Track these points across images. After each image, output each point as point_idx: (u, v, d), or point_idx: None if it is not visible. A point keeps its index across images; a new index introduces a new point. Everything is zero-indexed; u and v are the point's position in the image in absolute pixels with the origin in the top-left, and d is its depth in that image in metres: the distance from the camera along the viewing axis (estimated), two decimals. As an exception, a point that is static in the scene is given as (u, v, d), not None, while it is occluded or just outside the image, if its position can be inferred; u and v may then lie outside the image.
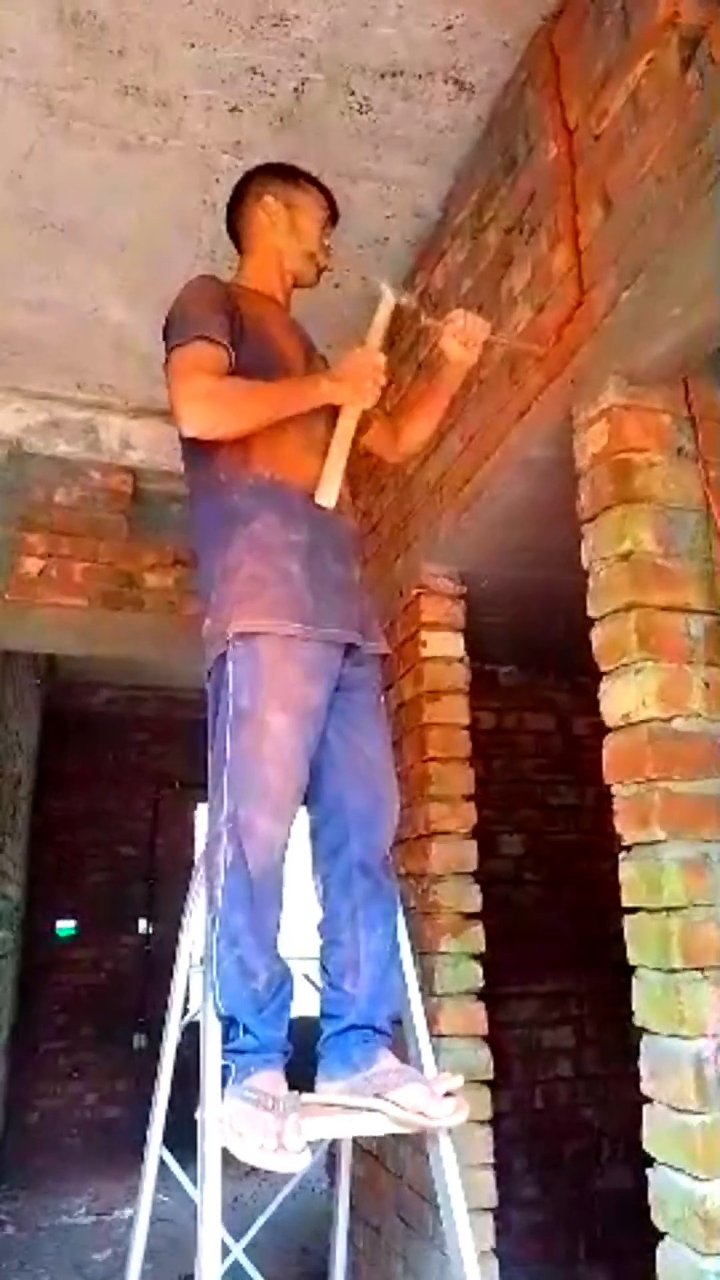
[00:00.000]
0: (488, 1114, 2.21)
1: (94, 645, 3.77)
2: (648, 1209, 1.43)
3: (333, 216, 2.03)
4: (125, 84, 2.15)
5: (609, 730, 1.60)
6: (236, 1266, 1.89)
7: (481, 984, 2.31)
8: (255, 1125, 1.37)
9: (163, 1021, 1.91)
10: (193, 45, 2.06)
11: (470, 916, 2.35)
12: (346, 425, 1.76)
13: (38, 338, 3.05)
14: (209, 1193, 1.38)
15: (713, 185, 1.38)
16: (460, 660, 2.57)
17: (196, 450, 1.77)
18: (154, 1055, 1.93)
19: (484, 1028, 2.27)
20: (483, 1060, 2.24)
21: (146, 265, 2.70)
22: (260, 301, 1.91)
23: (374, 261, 2.69)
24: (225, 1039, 1.52)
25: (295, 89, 2.16)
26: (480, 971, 2.32)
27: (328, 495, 1.71)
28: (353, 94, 2.17)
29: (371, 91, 2.17)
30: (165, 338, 1.77)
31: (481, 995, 2.31)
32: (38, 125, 2.25)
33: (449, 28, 2.01)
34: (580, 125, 1.81)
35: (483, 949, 2.34)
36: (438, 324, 1.91)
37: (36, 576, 3.29)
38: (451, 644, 2.57)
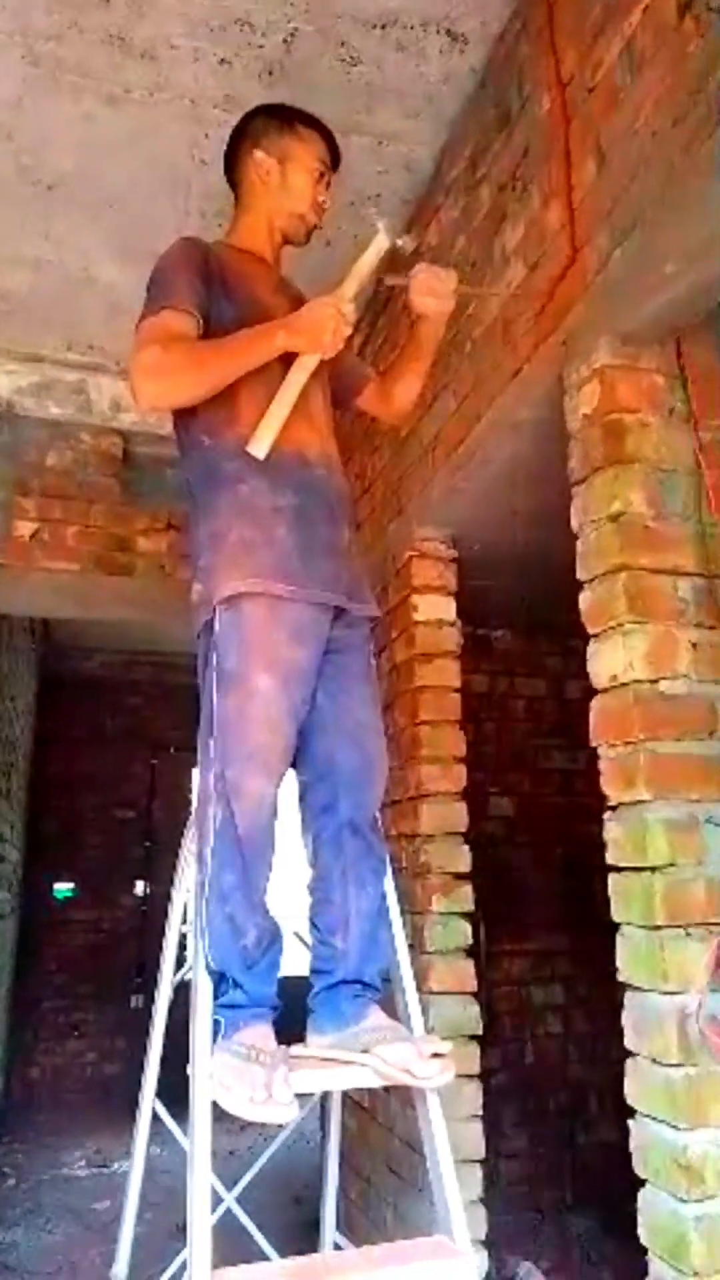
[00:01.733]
0: (476, 1069, 2.25)
1: (87, 609, 3.77)
2: (632, 1160, 1.46)
3: (333, 162, 1.95)
4: (110, 33, 2.10)
5: (596, 692, 1.61)
6: (231, 1216, 1.94)
7: (471, 942, 2.34)
8: (244, 1078, 1.40)
9: (157, 980, 1.94)
10: (179, -8, 2.01)
11: (460, 876, 2.38)
12: (297, 377, 1.66)
13: (27, 297, 3.01)
14: (198, 1143, 1.41)
15: (710, 137, 1.35)
16: (452, 624, 2.57)
17: (182, 415, 1.76)
18: (151, 1013, 1.96)
19: (473, 985, 2.31)
20: (472, 1016, 2.28)
21: (136, 222, 2.66)
22: (248, 261, 1.87)
23: (365, 218, 2.65)
24: (216, 995, 1.55)
25: (285, 40, 2.12)
26: (469, 930, 2.35)
27: (260, 445, 1.62)
28: (344, 45, 2.13)
29: (363, 43, 2.12)
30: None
31: (472, 953, 2.34)
32: (24, 76, 2.20)
33: (442, -25, 1.97)
34: (574, 77, 1.78)
35: (472, 908, 2.37)
36: (403, 281, 1.85)
37: (29, 540, 3.28)
38: (443, 607, 2.58)
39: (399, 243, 1.78)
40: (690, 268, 1.52)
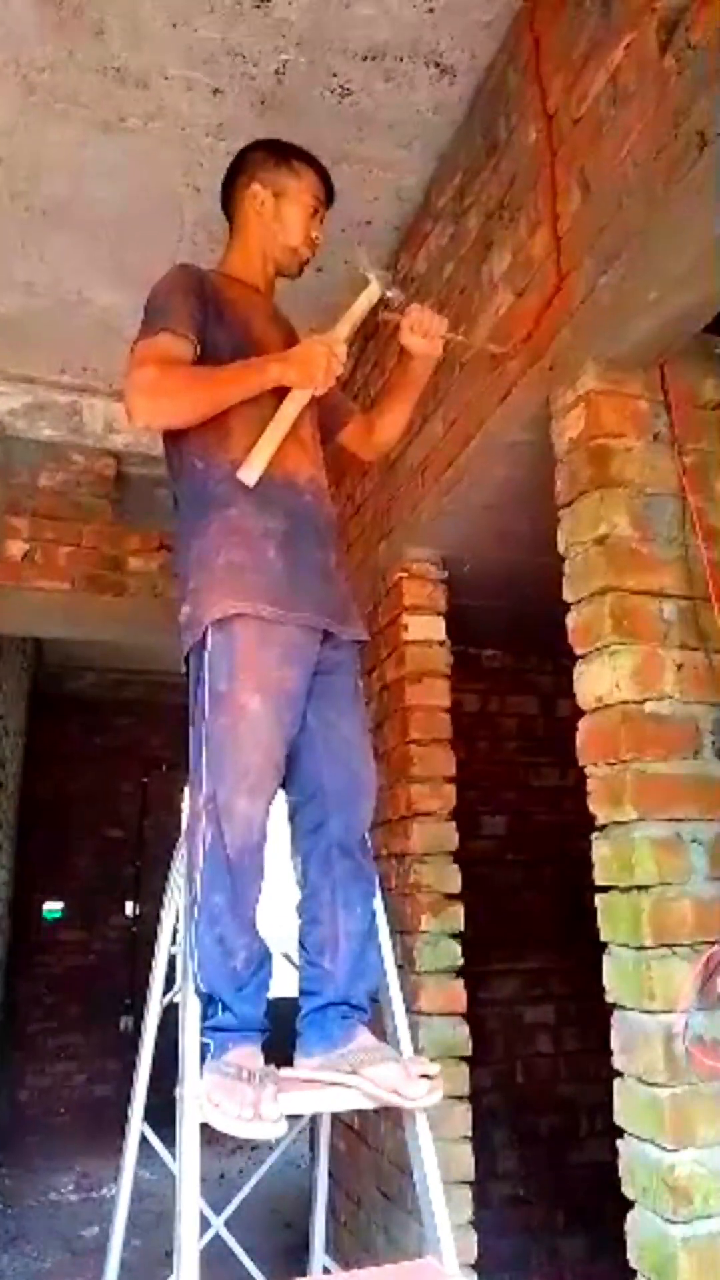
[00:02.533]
0: (466, 1090, 2.25)
1: (78, 629, 3.78)
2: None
3: (327, 199, 2.01)
4: (105, 64, 2.13)
5: (583, 713, 1.63)
6: (220, 1240, 1.93)
7: (461, 962, 2.34)
8: (232, 1096, 1.40)
9: (146, 1001, 1.93)
10: (174, 25, 2.04)
11: (450, 896, 2.38)
12: (289, 409, 1.71)
13: (21, 320, 3.04)
14: (187, 1166, 1.40)
15: (691, 169, 1.38)
16: (441, 643, 2.59)
17: (174, 437, 1.78)
18: (141, 1035, 1.96)
19: (463, 1005, 2.30)
20: (461, 1037, 2.27)
21: (130, 247, 2.69)
22: (241, 290, 1.91)
23: (356, 246, 2.67)
24: (204, 1017, 1.55)
25: (277, 70, 2.16)
26: (459, 950, 2.35)
27: (250, 473, 1.66)
28: (334, 75, 2.17)
29: (353, 73, 2.16)
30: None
31: (463, 973, 2.34)
32: (19, 104, 2.23)
33: (430, 10, 2.01)
34: (560, 108, 1.81)
35: (462, 928, 2.37)
36: (395, 318, 1.89)
37: (21, 560, 3.29)
38: (433, 627, 2.59)
39: (389, 294, 1.85)
40: (673, 295, 1.55)
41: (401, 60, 2.13)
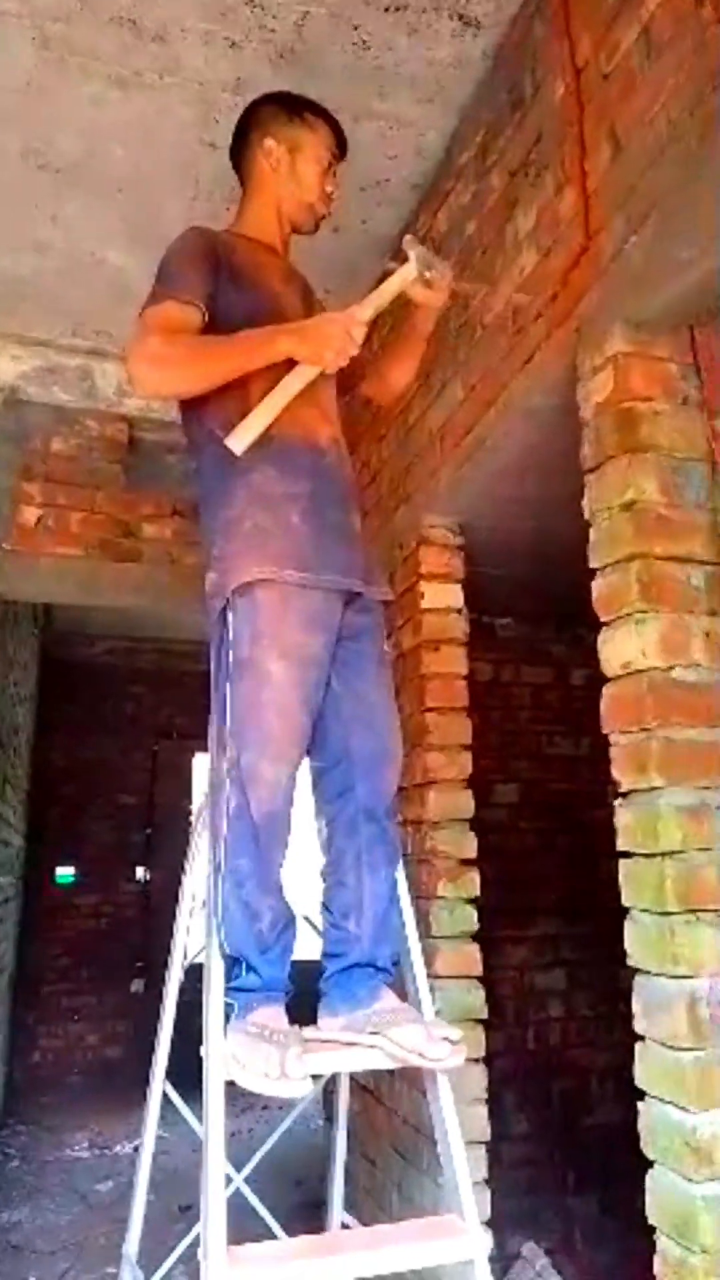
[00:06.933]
0: (482, 1052, 2.27)
1: (91, 596, 3.76)
2: (634, 1142, 1.48)
3: (340, 153, 1.97)
4: (120, 15, 2.08)
5: (608, 680, 1.62)
6: (236, 1196, 1.96)
7: (477, 927, 2.36)
8: (258, 1055, 1.41)
9: (162, 966, 1.95)
10: (191, -26, 1.99)
11: (466, 863, 2.39)
12: (292, 383, 1.66)
13: (34, 282, 3.00)
14: (213, 1124, 1.42)
15: (726, 125, 1.35)
16: (459, 611, 2.58)
17: (191, 407, 1.76)
18: (152, 998, 1.99)
19: (479, 969, 2.32)
20: (477, 1000, 2.30)
21: (144, 207, 2.65)
22: (256, 250, 1.87)
23: (375, 204, 2.65)
24: (229, 978, 1.56)
25: (296, 23, 2.10)
26: (475, 915, 2.36)
27: (239, 442, 1.63)
28: (356, 28, 2.11)
29: (375, 26, 2.11)
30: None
31: (477, 938, 2.36)
32: (34, 59, 2.18)
33: (456, -42, 1.96)
34: (589, 62, 1.77)
35: (478, 894, 2.38)
36: (397, 266, 1.82)
37: (34, 526, 3.28)
38: (450, 595, 2.58)
39: (427, 274, 1.77)
40: (705, 255, 1.51)
41: (424, 12, 2.08)
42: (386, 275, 1.78)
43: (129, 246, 2.81)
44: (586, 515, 1.70)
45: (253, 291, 1.78)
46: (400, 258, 1.80)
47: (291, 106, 1.93)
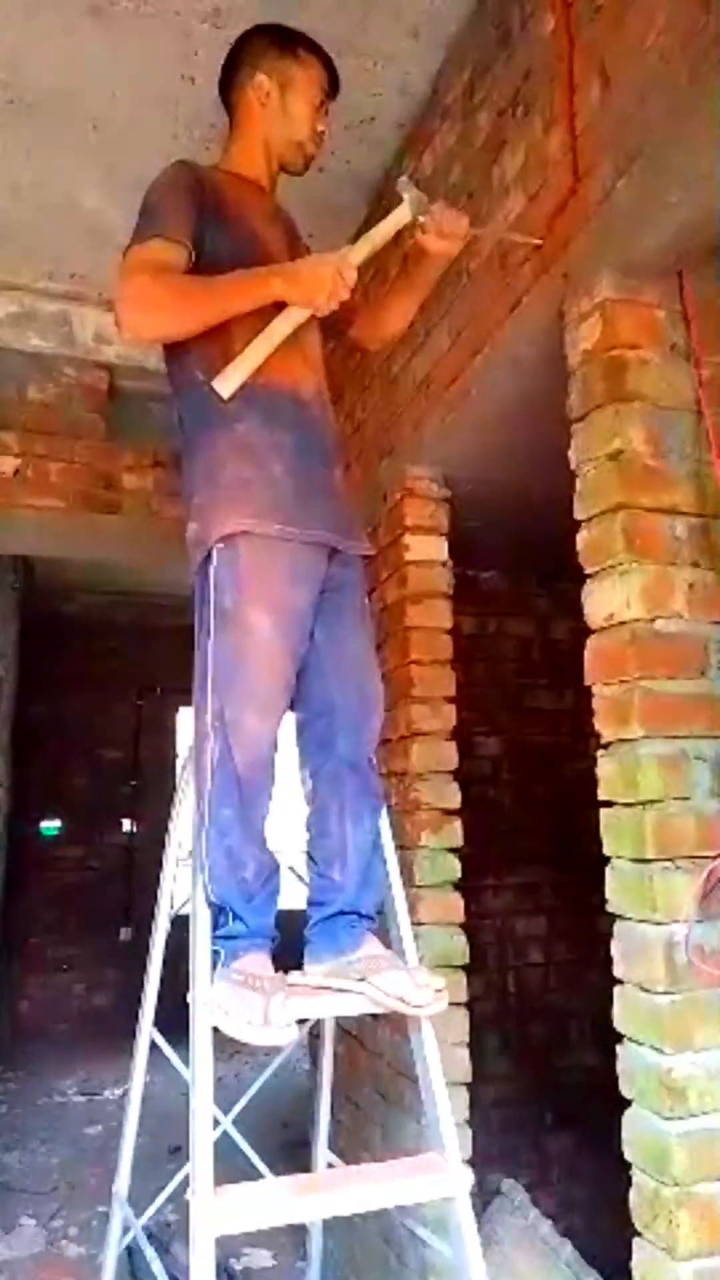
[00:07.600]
0: (464, 997, 2.31)
1: (71, 548, 3.73)
2: (610, 1084, 1.52)
3: (333, 91, 1.91)
4: (94, -62, 2.00)
5: (591, 631, 1.62)
6: (223, 1138, 2.01)
7: (459, 876, 2.39)
8: (243, 1003, 1.43)
9: (148, 915, 1.97)
10: None
11: (449, 813, 2.42)
12: (282, 325, 1.63)
13: (5, 223, 2.91)
14: (200, 1068, 1.45)
15: (718, 61, 1.31)
16: (443, 564, 2.56)
17: (175, 350, 1.72)
18: (139, 946, 2.01)
19: (460, 916, 2.36)
20: (459, 946, 2.33)
21: (121, 145, 2.56)
22: (242, 187, 1.82)
23: (358, 144, 2.57)
24: (215, 926, 1.58)
25: (277, -51, 2.02)
26: (458, 864, 2.39)
27: (228, 384, 1.60)
28: (339, -45, 2.04)
29: (359, -47, 2.03)
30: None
31: (459, 886, 2.39)
32: (0, -16, 2.09)
33: None
34: (580, -7, 1.71)
35: (460, 843, 2.41)
36: (422, 219, 1.80)
37: (12, 476, 3.22)
38: (435, 548, 2.56)
39: (421, 219, 1.73)
40: (693, 197, 1.48)
41: (410, -60, 2.00)
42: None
43: (105, 186, 2.72)
44: (572, 466, 1.68)
45: (237, 230, 1.73)
46: (394, 199, 1.76)
47: (284, 41, 1.87)
